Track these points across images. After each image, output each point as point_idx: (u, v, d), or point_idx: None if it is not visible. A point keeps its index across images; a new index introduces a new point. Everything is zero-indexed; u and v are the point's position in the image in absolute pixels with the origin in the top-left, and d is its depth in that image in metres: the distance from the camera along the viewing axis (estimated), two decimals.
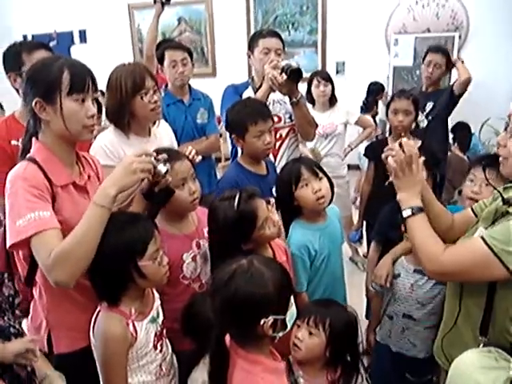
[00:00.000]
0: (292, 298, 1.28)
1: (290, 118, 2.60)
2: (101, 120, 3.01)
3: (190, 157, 1.83)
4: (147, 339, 1.47)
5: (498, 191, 1.44)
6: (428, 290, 1.91)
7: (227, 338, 1.28)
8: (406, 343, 2.01)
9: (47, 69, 1.37)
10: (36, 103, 1.36)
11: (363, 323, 2.16)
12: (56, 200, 1.40)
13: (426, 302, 1.92)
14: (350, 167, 4.03)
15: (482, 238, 1.30)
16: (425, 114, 3.58)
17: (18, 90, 2.07)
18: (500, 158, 1.45)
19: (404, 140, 1.48)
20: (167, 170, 1.50)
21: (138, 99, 1.97)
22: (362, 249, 3.95)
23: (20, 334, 1.14)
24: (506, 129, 1.44)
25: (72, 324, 1.50)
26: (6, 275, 1.35)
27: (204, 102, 2.92)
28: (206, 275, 1.79)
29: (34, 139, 1.44)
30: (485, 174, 1.70)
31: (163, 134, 2.24)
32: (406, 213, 1.45)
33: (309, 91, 3.70)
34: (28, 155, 1.43)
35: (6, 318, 1.12)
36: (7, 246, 1.32)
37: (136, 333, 1.43)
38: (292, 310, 1.26)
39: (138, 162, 1.37)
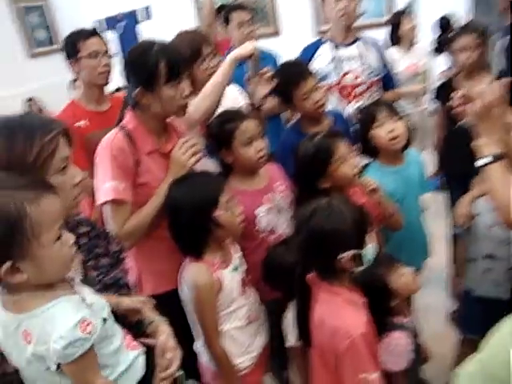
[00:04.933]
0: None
1: (372, 73, 2.57)
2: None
3: None
4: (232, 286, 1.59)
5: None
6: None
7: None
8: (489, 285, 1.97)
9: (144, 59, 1.53)
10: (138, 92, 1.53)
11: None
12: (140, 165, 1.58)
13: (509, 241, 1.86)
14: None
15: None
16: None
17: (76, 77, 2.36)
18: None
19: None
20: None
21: (197, 66, 2.06)
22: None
23: (126, 286, 1.25)
24: None
25: (157, 270, 1.68)
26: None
27: (269, 60, 2.93)
28: (281, 227, 1.87)
29: (130, 111, 1.63)
30: None
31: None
32: (484, 160, 1.36)
33: (393, 31, 3.75)
34: (121, 123, 1.63)
35: (116, 271, 1.26)
36: (98, 203, 1.53)
37: (222, 280, 1.55)
38: (369, 247, 1.33)
39: (182, 154, 1.57)
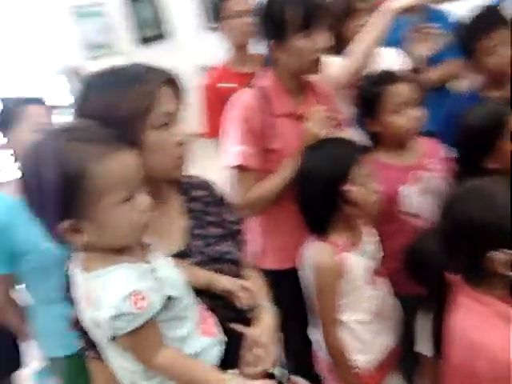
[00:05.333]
0: None
1: None
2: None
3: None
4: (357, 272, 1.38)
5: None
6: None
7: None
8: None
9: (272, 7, 1.41)
10: (270, 44, 1.42)
11: None
12: (274, 127, 1.45)
13: None
14: None
15: None
16: None
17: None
18: None
19: None
20: None
21: (348, 21, 1.84)
22: None
23: (235, 261, 1.12)
24: None
25: (278, 245, 1.56)
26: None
27: (439, 20, 2.52)
28: (429, 212, 1.57)
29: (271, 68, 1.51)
30: None
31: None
32: None
33: None
34: (256, 82, 1.52)
35: (226, 244, 1.13)
36: (225, 164, 1.45)
37: (345, 264, 1.35)
38: None
39: (313, 125, 1.40)
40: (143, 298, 0.78)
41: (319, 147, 1.40)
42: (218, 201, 1.19)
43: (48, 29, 5.10)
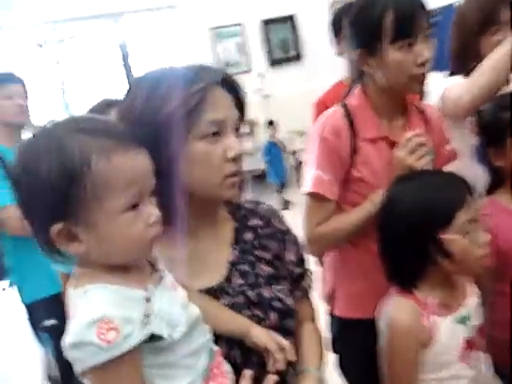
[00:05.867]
0: None
1: None
2: None
3: None
4: (451, 344, 1.07)
5: None
6: None
7: None
8: None
9: (367, 10, 1.18)
10: (358, 55, 1.20)
11: None
12: (358, 153, 1.21)
13: None
14: None
15: None
16: None
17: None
18: None
19: None
20: None
21: (486, 36, 1.49)
22: None
23: (283, 311, 0.90)
24: None
25: (351, 288, 1.30)
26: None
27: None
28: None
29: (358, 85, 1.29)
30: None
31: None
32: None
33: None
34: (344, 100, 1.29)
35: (276, 288, 0.92)
36: (302, 190, 1.26)
37: (434, 331, 1.05)
38: None
39: (407, 155, 1.13)
40: (113, 329, 0.61)
41: (414, 180, 1.11)
42: (278, 235, 0.99)
43: (187, 47, 5.41)
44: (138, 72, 1.04)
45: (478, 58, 1.48)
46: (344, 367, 1.41)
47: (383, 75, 1.17)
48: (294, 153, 5.74)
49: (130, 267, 0.70)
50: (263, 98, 5.76)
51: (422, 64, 1.14)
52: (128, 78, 5.66)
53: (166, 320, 0.68)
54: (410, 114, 1.28)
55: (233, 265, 0.92)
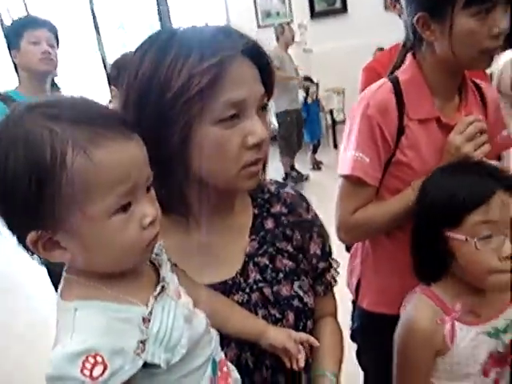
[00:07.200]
0: None
1: None
2: None
3: None
4: (472, 356, 0.96)
5: None
6: None
7: None
8: None
9: None
10: (419, 18, 1.02)
11: None
12: (405, 134, 1.07)
13: None
14: None
15: None
16: None
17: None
18: None
19: None
20: None
21: None
22: None
23: (301, 310, 0.81)
24: None
25: (381, 283, 1.20)
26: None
27: None
28: None
29: (409, 55, 1.13)
30: None
31: None
32: None
33: None
34: (395, 73, 1.14)
35: (295, 284, 0.83)
36: (339, 172, 1.13)
37: (453, 338, 0.95)
38: None
39: (463, 141, 1.00)
40: (100, 363, 0.52)
41: (448, 171, 0.98)
42: (303, 224, 0.88)
43: None
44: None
45: None
46: (362, 358, 1.36)
47: (448, 46, 1.00)
48: (330, 112, 5.51)
49: (128, 274, 0.60)
50: (303, 52, 5.51)
51: (496, 36, 0.97)
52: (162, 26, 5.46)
53: (164, 343, 0.59)
54: (467, 92, 1.11)
55: (250, 257, 0.82)
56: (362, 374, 1.38)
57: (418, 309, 0.99)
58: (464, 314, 0.96)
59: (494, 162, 1.06)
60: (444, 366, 0.98)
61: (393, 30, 1.76)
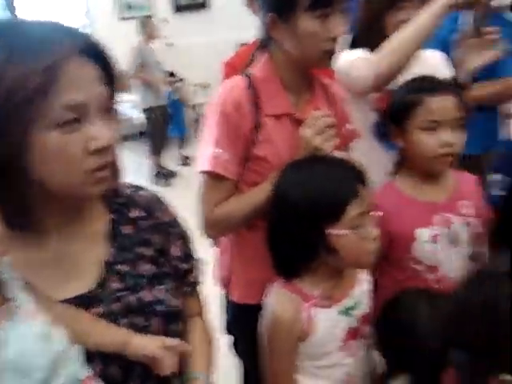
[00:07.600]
0: None
1: None
2: None
3: None
4: (332, 335, 1.03)
5: None
6: None
7: None
8: None
9: None
10: (268, 18, 1.06)
11: None
12: (260, 130, 1.10)
13: None
14: None
15: None
16: None
17: None
18: None
19: None
20: None
21: (391, 14, 1.42)
22: None
23: (166, 314, 0.79)
24: None
25: (248, 275, 1.23)
26: None
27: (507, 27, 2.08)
28: (449, 266, 1.21)
29: (264, 53, 1.16)
30: None
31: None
32: None
33: None
34: (248, 69, 1.16)
35: (158, 289, 0.79)
36: (198, 169, 1.13)
37: (314, 323, 1.01)
38: None
39: (314, 135, 1.05)
40: None
41: (304, 168, 1.02)
42: (162, 227, 0.85)
43: None
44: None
45: (382, 34, 1.42)
46: (239, 350, 1.38)
47: (293, 44, 1.06)
48: (194, 107, 5.51)
49: None
50: (166, 46, 5.41)
51: (334, 39, 1.05)
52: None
53: (20, 369, 0.54)
54: (316, 89, 1.19)
55: (109, 265, 0.77)
56: (237, 367, 1.40)
57: (278, 301, 1.03)
58: (322, 299, 1.02)
59: (342, 154, 1.13)
60: (305, 349, 1.03)
61: (255, 26, 1.80)
